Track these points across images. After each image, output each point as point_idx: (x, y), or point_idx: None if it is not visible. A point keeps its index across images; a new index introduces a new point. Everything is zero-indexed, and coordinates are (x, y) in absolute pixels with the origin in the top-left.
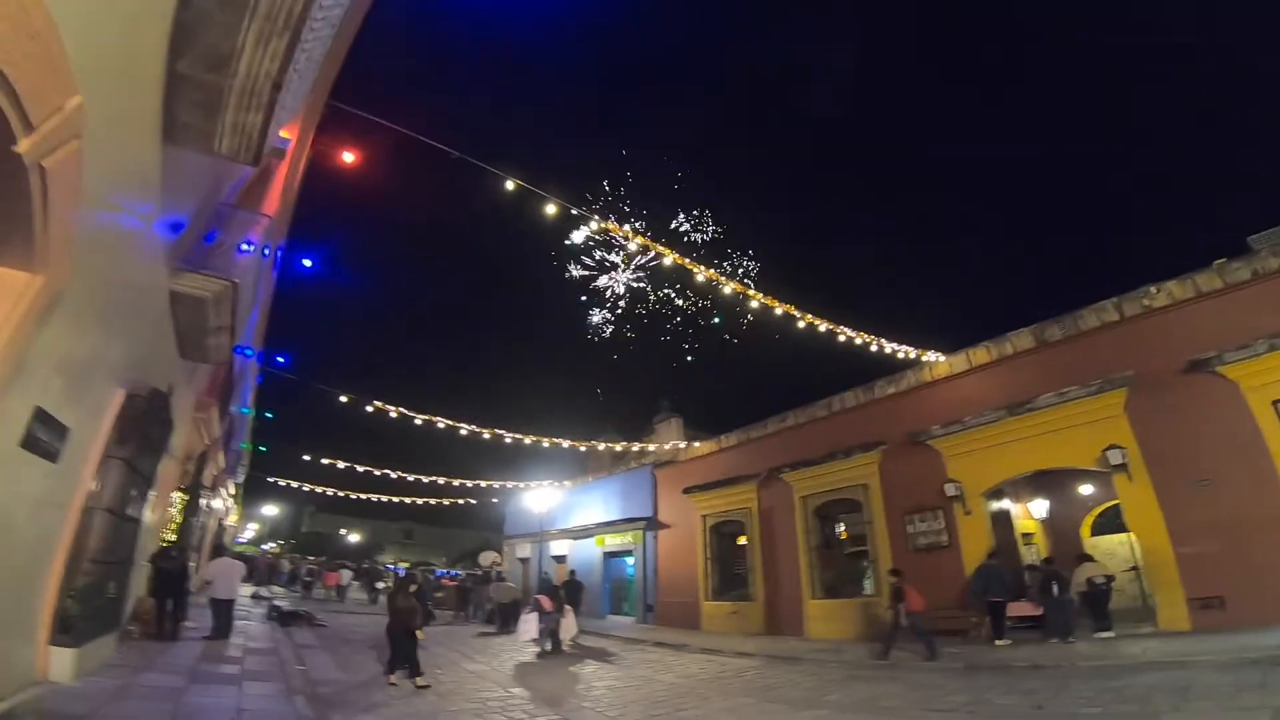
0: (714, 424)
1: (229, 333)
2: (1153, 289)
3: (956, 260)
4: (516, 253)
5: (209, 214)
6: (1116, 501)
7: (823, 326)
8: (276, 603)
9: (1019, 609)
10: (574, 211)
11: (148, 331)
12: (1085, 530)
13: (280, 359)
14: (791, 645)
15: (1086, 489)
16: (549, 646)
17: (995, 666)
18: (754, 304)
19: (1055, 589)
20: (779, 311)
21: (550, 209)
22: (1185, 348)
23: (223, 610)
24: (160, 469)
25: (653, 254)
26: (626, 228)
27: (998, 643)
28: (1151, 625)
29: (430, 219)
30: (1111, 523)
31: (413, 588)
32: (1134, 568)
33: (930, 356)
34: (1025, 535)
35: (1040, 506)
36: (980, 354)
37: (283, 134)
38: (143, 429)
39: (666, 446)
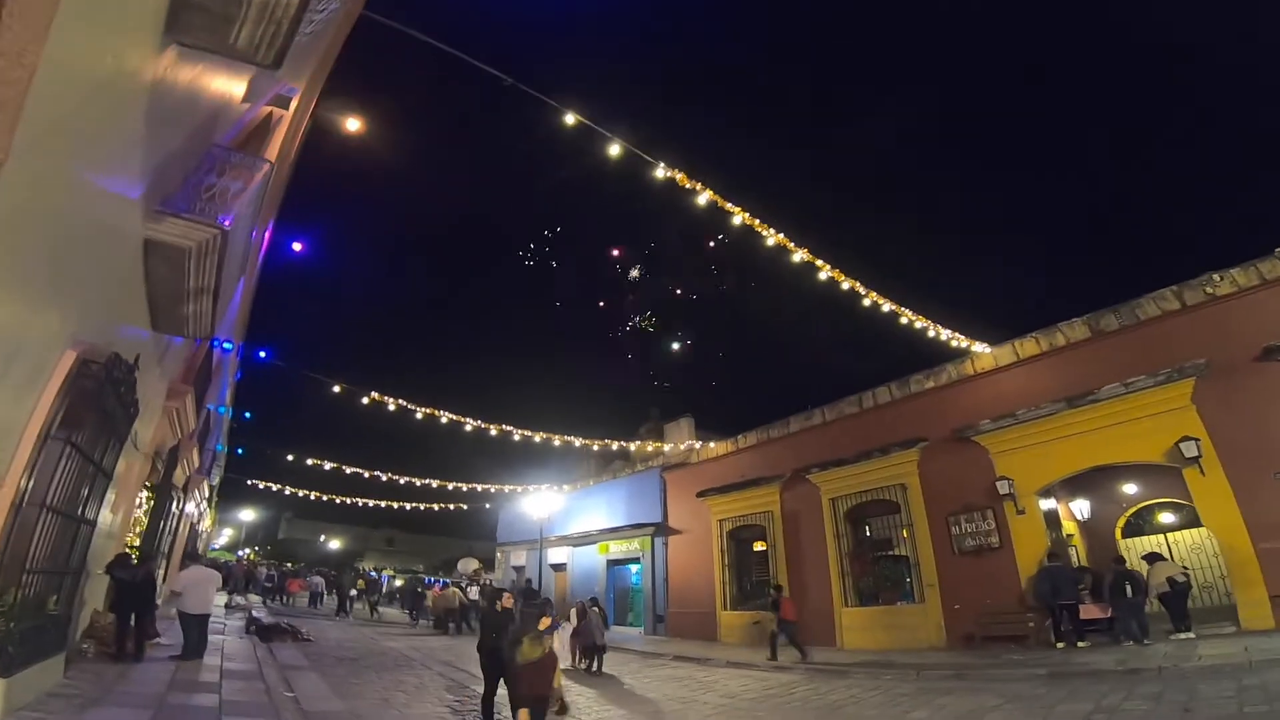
0: (721, 424)
1: (212, 299)
2: (1215, 276)
3: (983, 249)
4: (525, 239)
5: (200, 152)
6: (1152, 501)
7: (886, 306)
8: (255, 614)
9: (1087, 611)
10: (639, 154)
11: (111, 286)
12: (1117, 532)
13: (263, 353)
14: (828, 656)
15: (1130, 488)
16: None
17: (1085, 672)
18: (821, 275)
19: (1129, 590)
20: (845, 286)
21: (613, 149)
22: (1256, 335)
23: (195, 626)
24: (122, 462)
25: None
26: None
27: (1060, 645)
28: (1230, 624)
29: (435, 201)
30: (1147, 523)
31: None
32: (1186, 570)
33: (979, 348)
34: (1066, 536)
35: (1081, 506)
36: (1029, 345)
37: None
38: (99, 407)
39: (682, 447)
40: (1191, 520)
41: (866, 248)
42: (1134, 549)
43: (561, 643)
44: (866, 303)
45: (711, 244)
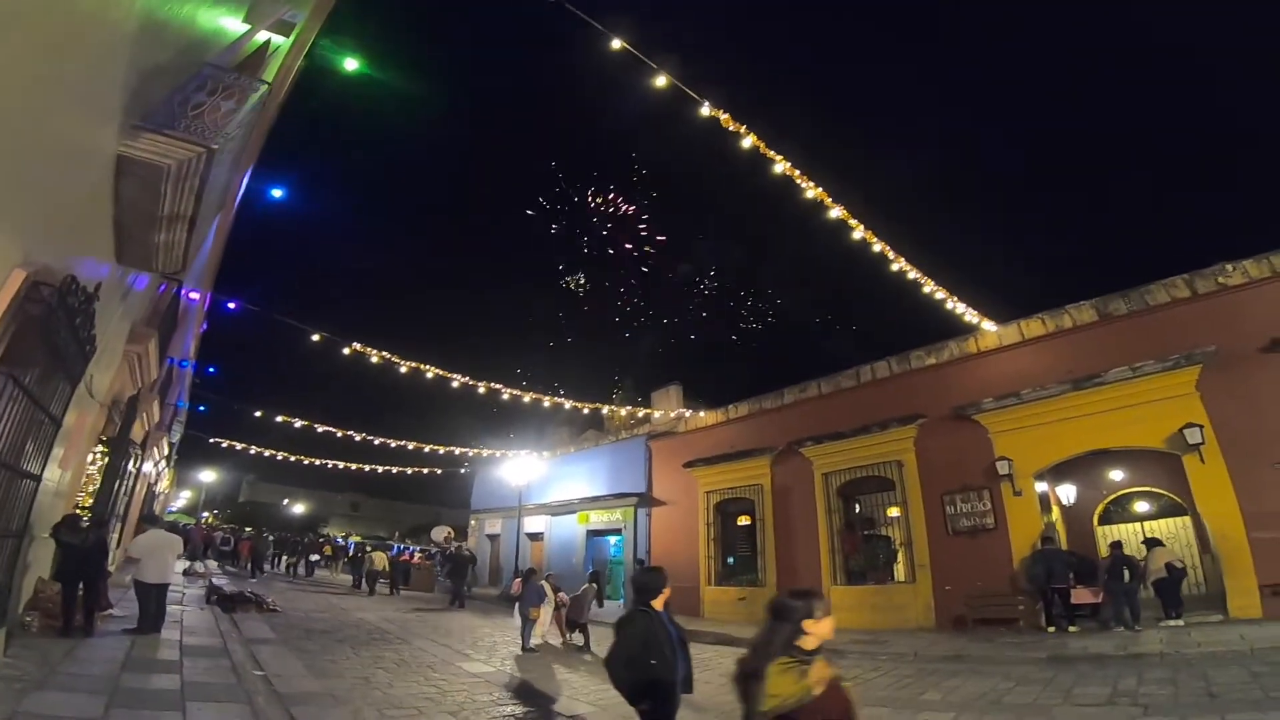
0: (709, 394)
1: (188, 228)
2: (1228, 266)
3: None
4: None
5: (191, 71)
6: (1131, 489)
7: (912, 273)
8: (217, 582)
9: (1079, 595)
10: (684, 89)
11: (74, 207)
12: (1095, 519)
13: (231, 304)
14: None
15: (1117, 474)
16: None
17: (1086, 657)
18: (856, 234)
19: (1127, 574)
20: (877, 249)
21: (659, 81)
22: (1264, 326)
23: (152, 596)
24: (74, 411)
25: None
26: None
27: (1050, 629)
28: (1217, 613)
29: (423, 147)
30: (1117, 512)
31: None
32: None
33: (987, 325)
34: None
35: (1068, 491)
36: (1034, 325)
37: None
38: (50, 340)
39: (672, 415)
40: (1168, 509)
41: (899, 213)
42: (1109, 537)
43: (550, 619)
44: (894, 268)
45: (735, 197)
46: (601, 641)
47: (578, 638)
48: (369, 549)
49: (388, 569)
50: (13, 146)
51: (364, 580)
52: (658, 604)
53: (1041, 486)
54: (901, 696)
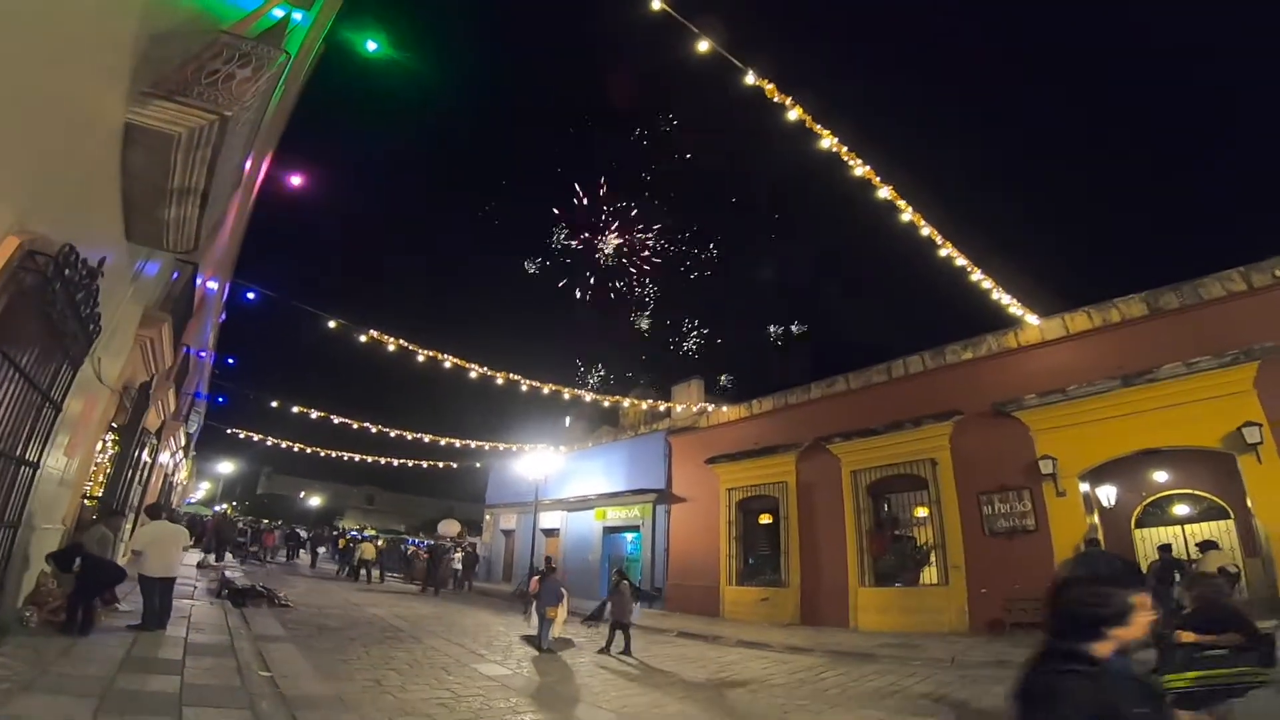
0: (731, 387)
1: (200, 203)
2: None
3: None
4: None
5: (206, 38)
6: (1170, 492)
7: (960, 260)
8: (228, 574)
9: None
10: (727, 55)
11: (76, 176)
12: (1133, 521)
13: (250, 294)
14: (844, 638)
15: (1161, 476)
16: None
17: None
18: (904, 216)
19: (1176, 578)
20: (925, 233)
21: (702, 45)
22: None
23: (156, 591)
24: (80, 397)
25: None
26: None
27: None
28: (1267, 619)
29: (450, 126)
30: (1153, 515)
31: None
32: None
33: (1031, 319)
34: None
35: (1108, 493)
36: (1080, 320)
37: None
38: (45, 314)
39: (694, 409)
40: (1209, 513)
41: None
42: (1146, 540)
43: (564, 614)
44: (942, 253)
45: (774, 177)
46: (647, 646)
47: (619, 641)
48: (356, 541)
49: (376, 558)
50: (6, 105)
51: (353, 569)
52: (1105, 649)
53: (1084, 487)
54: (952, 703)
